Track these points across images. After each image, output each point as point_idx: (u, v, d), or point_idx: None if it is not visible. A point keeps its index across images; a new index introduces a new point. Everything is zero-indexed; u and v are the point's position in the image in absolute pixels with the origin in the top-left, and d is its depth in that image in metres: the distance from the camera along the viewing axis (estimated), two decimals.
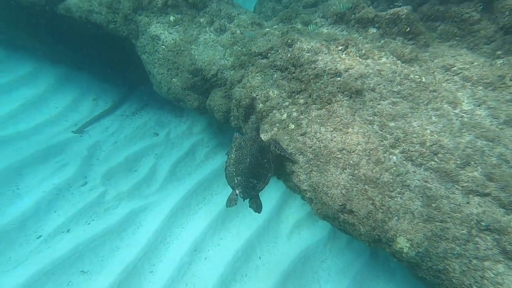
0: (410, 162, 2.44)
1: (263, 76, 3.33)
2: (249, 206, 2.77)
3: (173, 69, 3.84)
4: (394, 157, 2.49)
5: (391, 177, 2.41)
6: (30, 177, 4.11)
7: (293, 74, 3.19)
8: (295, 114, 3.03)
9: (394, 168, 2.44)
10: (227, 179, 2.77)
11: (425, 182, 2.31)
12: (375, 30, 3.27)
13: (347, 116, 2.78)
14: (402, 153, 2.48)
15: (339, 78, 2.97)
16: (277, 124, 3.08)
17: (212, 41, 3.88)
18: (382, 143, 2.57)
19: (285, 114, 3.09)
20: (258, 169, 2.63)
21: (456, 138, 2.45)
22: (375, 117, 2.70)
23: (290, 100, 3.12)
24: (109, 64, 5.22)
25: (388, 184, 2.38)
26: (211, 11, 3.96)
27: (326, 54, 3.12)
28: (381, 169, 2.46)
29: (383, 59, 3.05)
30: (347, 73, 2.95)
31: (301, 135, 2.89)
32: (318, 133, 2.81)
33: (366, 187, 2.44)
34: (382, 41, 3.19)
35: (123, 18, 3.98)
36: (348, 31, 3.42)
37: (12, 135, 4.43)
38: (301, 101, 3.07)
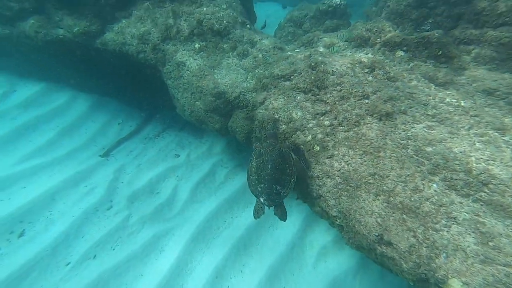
0: (454, 192, 2.24)
1: (285, 98, 3.33)
2: (274, 214, 2.70)
3: (197, 92, 3.96)
4: (435, 185, 2.31)
5: (433, 207, 2.22)
6: (62, 202, 4.22)
7: (317, 96, 3.17)
8: (320, 136, 2.96)
9: (435, 197, 2.25)
10: (250, 188, 2.72)
11: (475, 215, 2.11)
12: (403, 53, 3.21)
13: (378, 139, 2.67)
14: (444, 181, 2.30)
15: (367, 101, 2.90)
16: (301, 146, 3.02)
17: (235, 65, 3.99)
18: (419, 169, 2.41)
19: (310, 135, 3.02)
20: (280, 175, 2.57)
21: (509, 168, 2.25)
22: (409, 141, 2.57)
23: (314, 122, 3.07)
24: (134, 90, 5.51)
25: (430, 215, 2.20)
26: (234, 38, 4.11)
27: (352, 76, 3.08)
28: (420, 197, 2.29)
29: (414, 82, 2.96)
30: (375, 95, 2.88)
31: (327, 157, 2.80)
32: (346, 156, 2.71)
33: (405, 216, 2.26)
34: (412, 64, 3.12)
35: (152, 48, 4.22)
36: (373, 54, 3.39)
37: (48, 162, 4.64)
38: (326, 122, 3.00)
